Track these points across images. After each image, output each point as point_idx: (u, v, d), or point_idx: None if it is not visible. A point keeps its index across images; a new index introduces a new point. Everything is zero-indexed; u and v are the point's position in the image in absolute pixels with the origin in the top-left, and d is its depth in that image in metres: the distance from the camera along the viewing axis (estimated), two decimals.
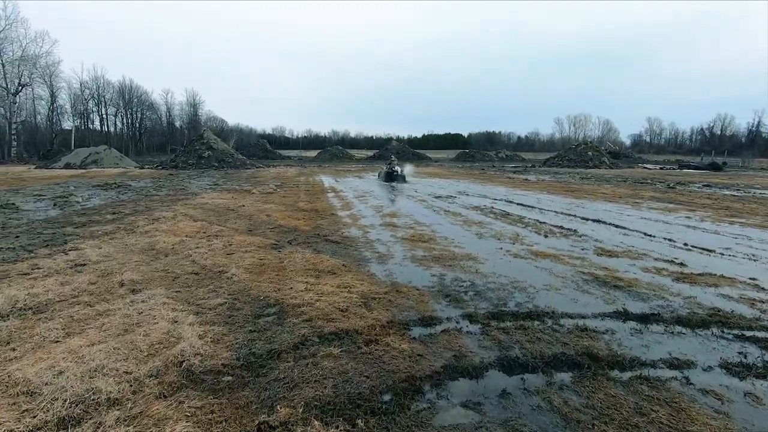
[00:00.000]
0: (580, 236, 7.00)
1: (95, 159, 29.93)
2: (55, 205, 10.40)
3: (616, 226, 7.99)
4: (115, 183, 16.64)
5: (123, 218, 8.21)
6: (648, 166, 40.16)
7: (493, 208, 10.38)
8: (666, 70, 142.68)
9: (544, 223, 8.26)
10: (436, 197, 12.72)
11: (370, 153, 57.49)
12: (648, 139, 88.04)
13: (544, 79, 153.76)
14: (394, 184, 17.80)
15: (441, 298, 3.98)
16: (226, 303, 3.68)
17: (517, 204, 11.20)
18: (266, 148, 56.61)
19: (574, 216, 9.19)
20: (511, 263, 5.29)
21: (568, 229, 7.62)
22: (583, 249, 6.06)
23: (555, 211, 9.88)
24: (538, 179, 21.23)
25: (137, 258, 5.16)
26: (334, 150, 56.02)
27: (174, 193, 13.42)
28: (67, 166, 28.38)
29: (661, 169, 36.11)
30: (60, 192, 13.36)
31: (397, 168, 19.43)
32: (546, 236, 6.97)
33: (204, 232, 6.84)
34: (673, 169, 36.13)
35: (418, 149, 60.61)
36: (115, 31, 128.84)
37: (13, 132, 40.34)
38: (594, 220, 8.61)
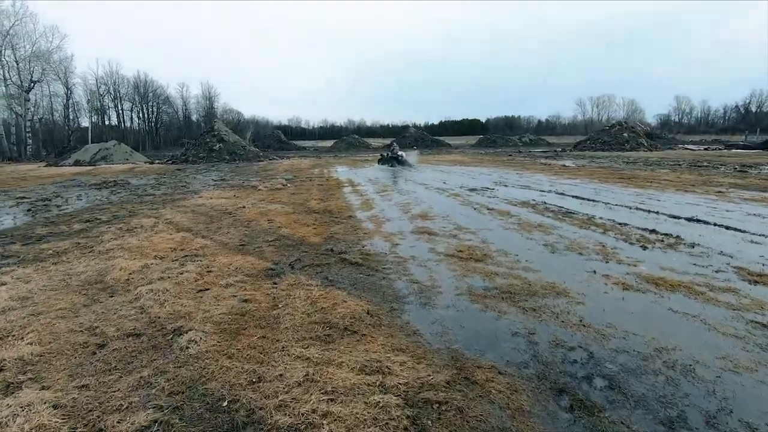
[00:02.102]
0: (693, 247, 5.03)
1: (105, 155, 28.95)
2: (29, 210, 8.97)
3: (727, 228, 5.97)
4: (114, 181, 15.28)
5: (92, 228, 6.65)
6: (691, 147, 36.88)
7: (545, 203, 8.41)
8: (693, 47, 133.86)
9: (625, 224, 6.30)
10: (471, 190, 10.80)
11: (387, 141, 55.15)
12: (677, 119, 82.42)
13: (564, 60, 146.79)
14: (398, 168, 18.42)
15: (551, 397, 2.18)
16: (154, 425, 1.97)
17: (573, 197, 9.18)
18: (281, 139, 55.38)
19: (657, 213, 7.16)
20: (626, 303, 3.42)
21: (666, 234, 5.65)
22: (716, 271, 4.12)
23: (627, 207, 7.86)
24: (578, 165, 18.93)
25: (67, 301, 3.51)
26: (350, 139, 54.22)
27: (172, 191, 11.89)
28: (77, 162, 27.47)
29: (706, 149, 32.93)
30: (48, 193, 12.02)
31: (400, 153, 20.13)
32: (644, 248, 5.03)
33: (181, 250, 5.17)
34: (719, 149, 32.89)
35: (436, 136, 58.27)
36: (129, 29, 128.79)
37: (28, 129, 39.86)
38: (689, 219, 6.58)
